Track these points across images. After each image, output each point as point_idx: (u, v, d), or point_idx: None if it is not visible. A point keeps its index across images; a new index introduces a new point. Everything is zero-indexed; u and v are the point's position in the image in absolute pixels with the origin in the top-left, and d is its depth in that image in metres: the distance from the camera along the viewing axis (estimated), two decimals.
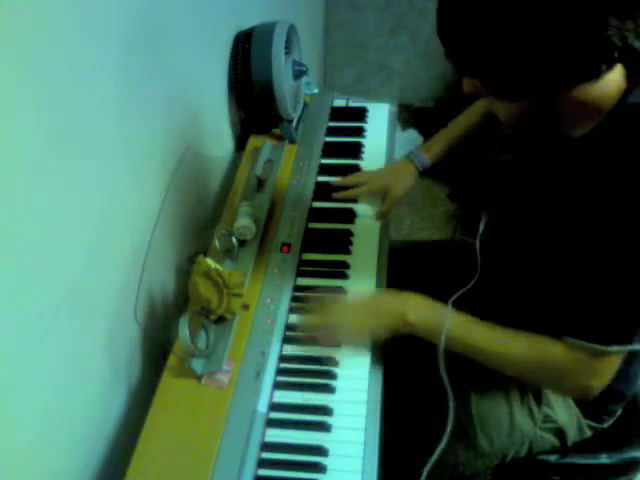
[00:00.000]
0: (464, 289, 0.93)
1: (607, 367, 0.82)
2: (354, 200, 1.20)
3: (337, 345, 0.95)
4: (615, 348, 0.78)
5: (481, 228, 0.96)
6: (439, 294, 1.17)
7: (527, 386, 1.01)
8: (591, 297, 0.79)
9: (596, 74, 0.69)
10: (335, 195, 1.20)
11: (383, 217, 1.16)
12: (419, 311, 0.90)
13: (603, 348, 0.78)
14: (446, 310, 0.90)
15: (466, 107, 1.19)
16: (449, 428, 0.88)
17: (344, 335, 0.95)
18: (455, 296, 0.93)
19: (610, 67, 0.69)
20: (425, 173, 1.20)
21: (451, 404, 0.89)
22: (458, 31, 0.71)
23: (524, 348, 0.86)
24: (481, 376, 1.03)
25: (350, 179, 1.22)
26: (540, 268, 0.88)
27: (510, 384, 1.02)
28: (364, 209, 1.19)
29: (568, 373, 0.84)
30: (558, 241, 0.83)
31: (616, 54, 0.66)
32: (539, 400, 1.00)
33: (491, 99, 0.78)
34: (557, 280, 0.84)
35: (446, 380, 0.89)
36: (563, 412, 1.00)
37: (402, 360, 1.10)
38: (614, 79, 0.73)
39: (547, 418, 1.00)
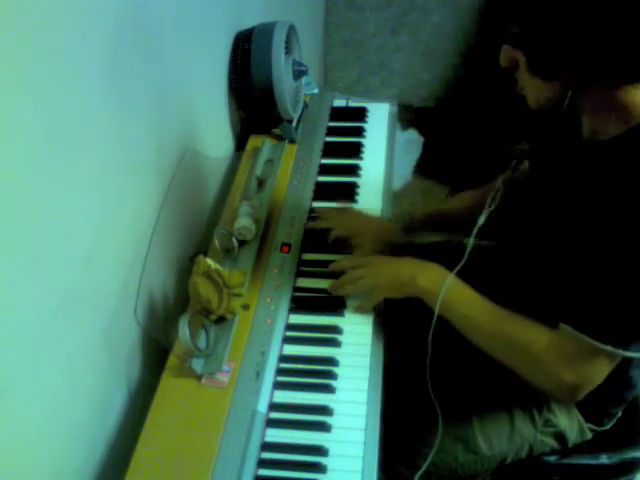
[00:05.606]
0: (462, 262, 0.93)
1: (589, 368, 0.80)
2: (354, 200, 1.21)
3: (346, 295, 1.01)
4: (608, 348, 0.76)
5: (481, 220, 0.94)
6: None
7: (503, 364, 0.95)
8: (598, 293, 0.78)
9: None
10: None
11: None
12: (429, 276, 0.95)
13: (597, 344, 0.77)
14: (451, 279, 0.92)
15: (466, 107, 1.18)
16: (437, 441, 0.92)
17: (362, 285, 0.98)
18: (457, 268, 0.93)
19: None
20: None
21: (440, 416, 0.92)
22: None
23: (512, 326, 0.86)
24: (482, 382, 1.02)
25: (320, 223, 1.14)
26: (552, 259, 0.87)
27: (512, 391, 1.00)
28: (364, 209, 1.18)
29: (544, 361, 0.83)
30: (573, 237, 0.82)
31: None
32: (540, 406, 1.00)
33: (525, 76, 0.77)
34: (567, 272, 0.82)
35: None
36: (564, 417, 0.99)
37: (402, 361, 1.10)
38: None
39: (548, 422, 1.00)
